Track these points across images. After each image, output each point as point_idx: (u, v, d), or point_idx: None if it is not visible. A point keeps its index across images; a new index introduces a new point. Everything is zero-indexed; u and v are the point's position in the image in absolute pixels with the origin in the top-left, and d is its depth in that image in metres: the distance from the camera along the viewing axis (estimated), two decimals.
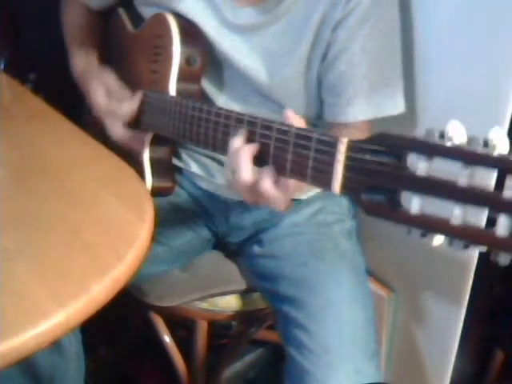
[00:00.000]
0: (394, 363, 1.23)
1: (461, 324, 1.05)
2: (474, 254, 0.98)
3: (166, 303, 1.01)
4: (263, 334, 1.24)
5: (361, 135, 0.88)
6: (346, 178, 0.53)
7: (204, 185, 1.02)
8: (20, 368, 0.79)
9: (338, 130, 0.88)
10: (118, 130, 0.91)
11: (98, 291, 0.53)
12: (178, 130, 0.80)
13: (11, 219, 0.64)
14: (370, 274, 1.02)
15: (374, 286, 1.16)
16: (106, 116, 0.92)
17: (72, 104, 1.03)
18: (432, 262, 1.06)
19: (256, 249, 0.98)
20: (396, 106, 0.88)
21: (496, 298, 1.12)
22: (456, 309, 1.04)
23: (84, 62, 1.02)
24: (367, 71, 0.84)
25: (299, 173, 0.59)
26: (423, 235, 0.46)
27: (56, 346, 0.81)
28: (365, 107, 0.86)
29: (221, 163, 0.98)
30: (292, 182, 0.63)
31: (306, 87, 0.88)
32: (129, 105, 0.89)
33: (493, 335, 1.19)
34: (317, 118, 0.92)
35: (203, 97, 0.92)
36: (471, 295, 1.01)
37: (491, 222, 0.41)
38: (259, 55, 0.87)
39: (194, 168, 1.02)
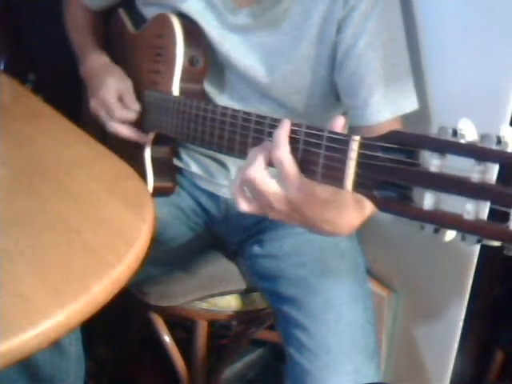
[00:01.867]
0: (394, 363, 1.23)
1: (461, 324, 1.05)
2: (475, 254, 0.98)
3: (166, 303, 1.01)
4: (263, 334, 1.24)
5: None
6: (358, 176, 0.53)
7: (204, 185, 1.02)
8: (20, 368, 0.79)
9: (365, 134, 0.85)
10: (117, 128, 0.92)
11: (98, 291, 0.53)
12: (182, 129, 0.81)
13: (11, 219, 0.64)
14: (370, 274, 1.02)
15: (374, 286, 1.16)
16: (108, 112, 0.93)
17: (72, 104, 1.03)
18: (432, 262, 1.06)
19: (256, 249, 0.98)
20: (411, 102, 0.86)
21: (496, 297, 1.12)
22: (456, 309, 1.04)
23: (102, 59, 1.02)
24: (378, 67, 0.82)
25: (309, 170, 0.59)
26: (436, 231, 0.46)
27: (56, 346, 0.81)
28: (382, 106, 0.83)
29: (221, 163, 0.98)
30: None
31: (309, 87, 0.88)
32: (134, 112, 0.92)
33: (493, 335, 1.19)
34: (323, 119, 0.92)
35: (205, 97, 0.92)
36: (471, 295, 1.01)
37: (504, 217, 0.41)
38: (259, 54, 0.87)
39: (194, 168, 1.02)
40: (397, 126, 0.85)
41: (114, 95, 0.93)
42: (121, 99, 0.93)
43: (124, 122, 0.92)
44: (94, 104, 0.95)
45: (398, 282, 1.17)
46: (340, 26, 0.82)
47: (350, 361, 0.81)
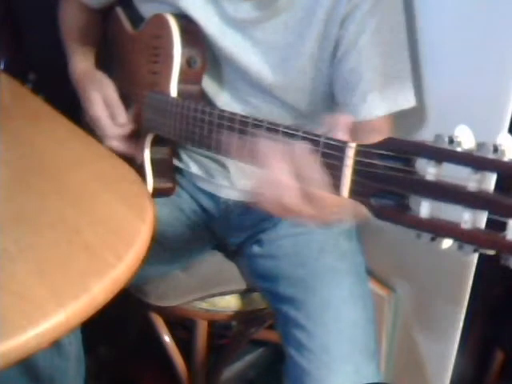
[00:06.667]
0: (394, 363, 1.23)
1: (461, 324, 1.05)
2: (475, 254, 0.98)
3: (166, 303, 1.02)
4: (263, 334, 1.24)
5: (380, 137, 0.88)
6: (354, 183, 0.53)
7: (204, 185, 1.02)
8: (20, 368, 0.79)
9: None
10: (114, 145, 0.92)
11: (98, 291, 0.53)
12: (180, 131, 0.80)
13: (11, 219, 0.64)
14: (370, 274, 1.02)
15: (374, 286, 1.16)
16: (102, 130, 0.93)
17: (72, 104, 1.03)
18: (432, 262, 1.06)
19: (256, 249, 0.98)
20: (408, 99, 0.87)
21: (496, 298, 1.12)
22: (456, 309, 1.04)
23: (83, 65, 1.01)
24: (378, 65, 0.83)
25: None
26: (433, 239, 0.46)
27: (56, 346, 0.81)
28: (379, 102, 0.83)
29: (221, 164, 0.98)
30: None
31: (311, 85, 0.88)
32: (125, 126, 0.91)
33: (493, 335, 1.19)
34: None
35: (204, 96, 0.92)
36: (471, 295, 1.01)
37: (501, 227, 0.41)
38: (262, 50, 0.86)
39: (194, 169, 1.01)
40: (388, 124, 0.85)
41: (102, 109, 0.92)
42: (110, 112, 0.92)
43: (119, 138, 0.92)
44: (88, 121, 0.95)
45: (398, 282, 1.17)
46: (342, 23, 0.81)
47: (349, 361, 0.81)
